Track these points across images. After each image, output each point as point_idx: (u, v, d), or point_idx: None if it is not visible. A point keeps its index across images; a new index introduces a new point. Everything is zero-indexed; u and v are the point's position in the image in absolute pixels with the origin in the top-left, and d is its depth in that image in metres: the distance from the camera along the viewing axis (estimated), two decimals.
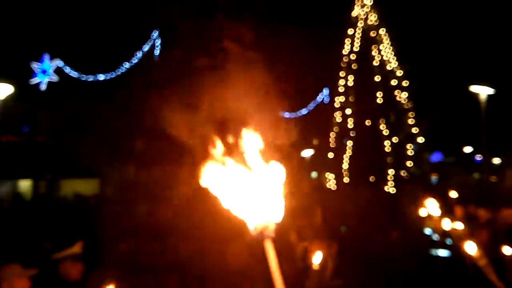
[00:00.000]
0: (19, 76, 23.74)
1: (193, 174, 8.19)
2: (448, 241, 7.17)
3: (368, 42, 24.30)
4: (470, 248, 2.85)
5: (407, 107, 23.97)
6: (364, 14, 24.41)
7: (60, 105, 27.16)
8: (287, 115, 21.09)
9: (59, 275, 4.60)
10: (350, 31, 24.55)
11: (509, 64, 27.73)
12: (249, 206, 2.05)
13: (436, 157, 29.63)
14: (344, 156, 23.81)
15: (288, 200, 2.13)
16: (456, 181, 25.50)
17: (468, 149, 39.01)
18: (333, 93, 25.87)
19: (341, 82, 24.40)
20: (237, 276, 6.86)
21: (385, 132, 23.45)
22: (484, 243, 4.53)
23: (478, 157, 34.55)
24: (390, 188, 22.53)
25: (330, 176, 23.91)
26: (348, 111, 24.04)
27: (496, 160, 36.79)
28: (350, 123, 23.97)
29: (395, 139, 23.37)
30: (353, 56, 24.37)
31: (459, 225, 6.35)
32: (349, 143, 23.94)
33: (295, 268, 4.86)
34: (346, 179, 23.37)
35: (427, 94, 25.32)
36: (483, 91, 23.51)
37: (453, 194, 10.87)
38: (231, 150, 2.19)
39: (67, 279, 4.61)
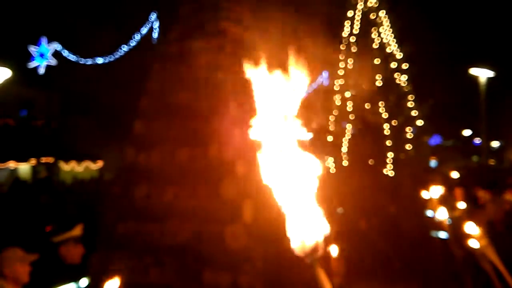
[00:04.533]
0: (17, 59, 23.60)
1: (194, 154, 8.13)
2: (448, 221, 7.18)
3: (368, 24, 24.12)
4: (470, 228, 2.84)
5: (406, 90, 23.87)
6: None
7: (58, 88, 27.07)
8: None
9: (59, 258, 4.60)
10: (349, 13, 24.35)
11: (509, 47, 27.61)
12: (297, 222, 1.74)
13: (435, 140, 29.63)
14: (343, 139, 23.77)
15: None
16: (455, 164, 25.56)
17: (467, 132, 38.97)
18: (333, 75, 25.73)
19: (341, 64, 24.25)
20: (236, 257, 6.88)
21: (385, 115, 23.38)
22: (483, 225, 4.53)
23: (477, 141, 34.57)
24: (389, 171, 22.53)
25: (329, 159, 23.90)
26: (348, 94, 23.95)
27: (495, 144, 36.82)
28: (350, 106, 23.88)
29: (394, 122, 23.31)
30: (352, 39, 24.21)
31: (461, 205, 6.35)
32: (348, 126, 23.88)
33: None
34: (345, 162, 23.35)
35: (427, 77, 25.21)
36: (483, 74, 23.44)
37: (455, 174, 10.87)
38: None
39: (67, 262, 4.61)
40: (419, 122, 23.63)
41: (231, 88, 8.47)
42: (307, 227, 1.73)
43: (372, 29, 24.08)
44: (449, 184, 9.69)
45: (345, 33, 24.36)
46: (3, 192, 16.68)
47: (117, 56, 25.66)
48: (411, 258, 9.24)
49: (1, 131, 23.92)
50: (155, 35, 26.04)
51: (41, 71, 25.72)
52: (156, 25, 26.15)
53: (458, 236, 5.25)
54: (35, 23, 25.42)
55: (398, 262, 9.51)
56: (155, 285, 7.39)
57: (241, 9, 9.69)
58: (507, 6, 27.72)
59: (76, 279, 4.56)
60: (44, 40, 25.67)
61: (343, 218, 10.50)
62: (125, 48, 25.72)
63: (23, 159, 24.06)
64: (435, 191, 6.84)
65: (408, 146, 23.43)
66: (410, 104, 23.74)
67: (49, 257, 4.53)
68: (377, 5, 24.11)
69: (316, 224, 1.75)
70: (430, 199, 6.84)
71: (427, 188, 7.72)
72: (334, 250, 5.45)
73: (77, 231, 4.74)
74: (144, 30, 26.05)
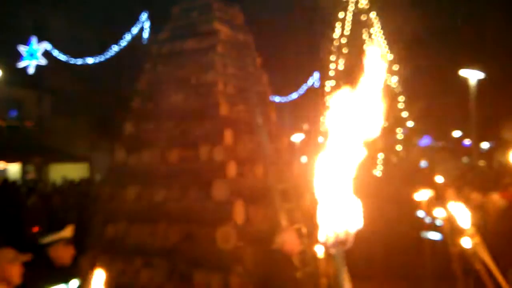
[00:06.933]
0: (7, 59, 23.43)
1: (185, 155, 8.10)
2: (438, 223, 7.21)
3: (359, 26, 24.22)
4: (462, 226, 2.86)
5: (397, 91, 23.99)
6: None
7: (48, 88, 26.90)
8: (277, 99, 21.03)
9: (50, 260, 4.57)
10: (341, 15, 24.44)
11: (498, 49, 27.74)
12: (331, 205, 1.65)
13: (425, 141, 29.76)
14: None
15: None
16: (445, 165, 25.67)
17: (457, 134, 39.12)
18: (324, 77, 25.82)
19: (332, 66, 24.33)
20: (227, 258, 6.87)
21: None
22: (475, 224, 4.56)
23: (467, 142, 34.74)
24: (378, 171, 22.63)
25: None
26: None
27: (485, 145, 37.02)
28: None
29: (384, 123, 23.43)
30: (343, 40, 24.29)
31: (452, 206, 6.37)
32: None
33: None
34: None
35: (417, 78, 25.30)
36: (472, 76, 23.55)
37: (439, 179, 10.91)
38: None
39: (57, 263, 4.57)
40: (410, 123, 23.75)
41: (222, 89, 8.47)
42: (340, 217, 1.65)
43: (363, 30, 24.18)
44: (438, 185, 9.73)
45: (336, 35, 24.45)
46: None
47: (107, 56, 25.53)
48: (402, 258, 9.27)
49: None
50: (145, 35, 25.95)
51: (31, 70, 25.49)
52: (146, 25, 26.07)
53: (450, 235, 5.28)
54: (24, 23, 25.25)
55: (389, 262, 9.54)
56: (146, 287, 7.36)
57: (232, 10, 9.69)
58: (497, 7, 27.89)
59: (66, 281, 4.53)
60: (34, 40, 25.45)
61: None
62: (115, 48, 25.60)
63: (12, 159, 23.88)
64: (424, 193, 6.87)
65: (399, 147, 23.54)
66: (400, 105, 23.85)
67: (39, 258, 4.49)
68: (368, 6, 24.21)
69: (350, 216, 1.67)
70: (421, 200, 6.87)
71: (417, 189, 7.75)
72: (321, 251, 5.46)
73: (67, 232, 4.71)
74: (134, 30, 25.96)
